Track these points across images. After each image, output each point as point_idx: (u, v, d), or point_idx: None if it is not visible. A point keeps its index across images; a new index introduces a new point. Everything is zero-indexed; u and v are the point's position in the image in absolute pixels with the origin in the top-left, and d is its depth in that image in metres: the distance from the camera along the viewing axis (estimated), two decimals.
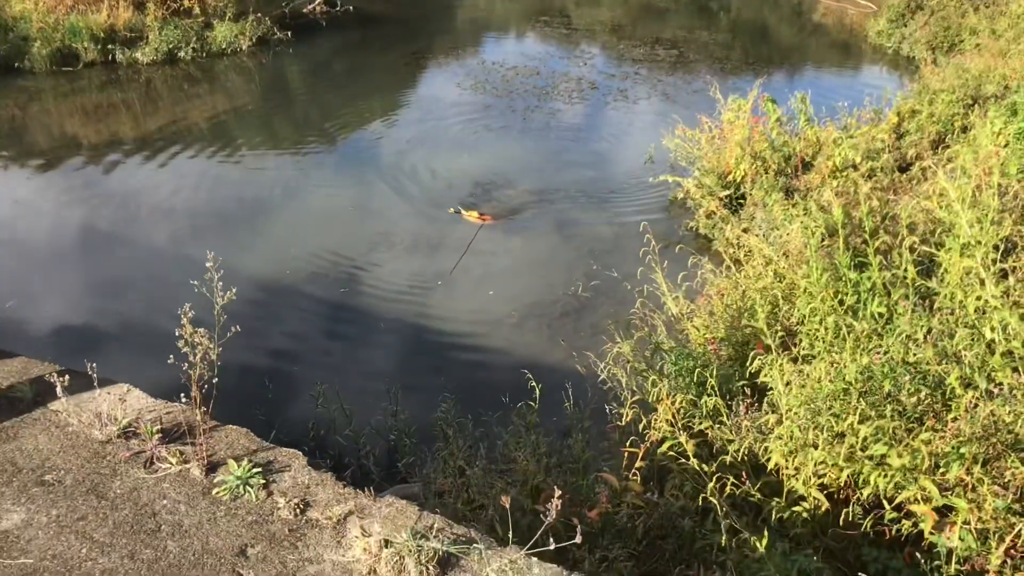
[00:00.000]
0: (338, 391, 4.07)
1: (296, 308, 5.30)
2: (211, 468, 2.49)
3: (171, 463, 2.49)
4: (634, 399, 3.09)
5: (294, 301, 5.35)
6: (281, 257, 5.83)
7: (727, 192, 6.30)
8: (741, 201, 6.22)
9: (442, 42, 11.96)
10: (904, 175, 5.91)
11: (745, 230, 5.37)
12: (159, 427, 2.60)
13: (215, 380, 2.37)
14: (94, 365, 2.58)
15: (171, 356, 2.34)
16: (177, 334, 2.30)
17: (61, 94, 9.17)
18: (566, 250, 6.13)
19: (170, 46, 10.03)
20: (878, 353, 2.75)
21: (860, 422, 2.44)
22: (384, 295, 5.45)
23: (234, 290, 2.36)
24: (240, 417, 2.84)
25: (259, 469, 2.47)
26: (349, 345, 5.01)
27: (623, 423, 3.06)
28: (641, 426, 2.99)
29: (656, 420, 2.95)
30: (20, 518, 2.32)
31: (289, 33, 11.04)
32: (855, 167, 5.99)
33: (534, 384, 3.22)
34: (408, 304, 5.37)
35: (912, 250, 2.95)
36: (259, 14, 10.87)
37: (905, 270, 2.95)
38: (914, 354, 2.64)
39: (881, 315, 3.02)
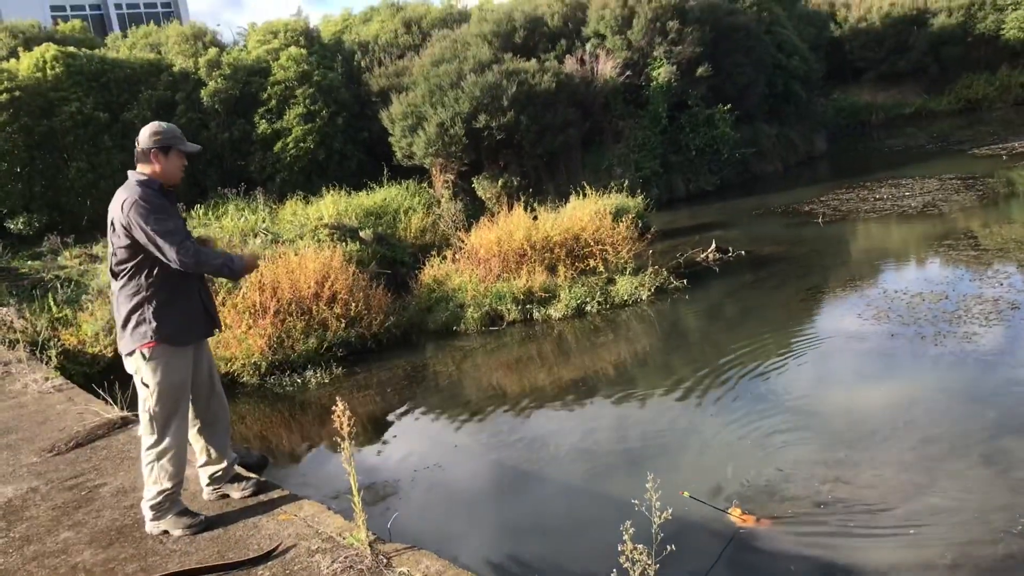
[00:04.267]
0: None
1: (705, 538, 5.31)
2: None
3: None
4: None
5: (701, 535, 5.37)
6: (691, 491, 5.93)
7: None
8: None
9: (837, 275, 11.88)
10: None
11: None
12: None
13: None
14: None
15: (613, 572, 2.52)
16: (619, 549, 2.49)
17: (488, 351, 10.41)
18: (1003, 485, 5.57)
19: (578, 302, 11.06)
20: None
21: None
22: (797, 529, 5.29)
23: (670, 510, 2.53)
24: None
25: None
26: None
27: None
28: None
29: None
30: None
31: (685, 281, 11.69)
32: None
33: None
34: (824, 541, 5.16)
35: None
36: (656, 266, 11.72)
37: None
38: None
39: None
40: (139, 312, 4.25)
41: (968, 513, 5.27)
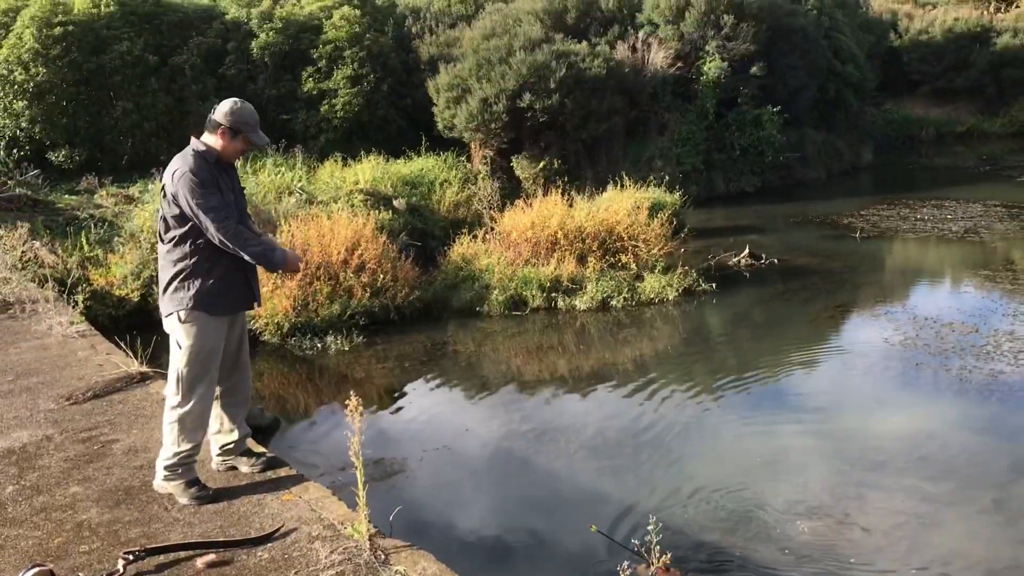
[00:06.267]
0: None
1: (705, 556, 5.29)
2: None
3: None
4: None
5: (704, 550, 5.34)
6: (694, 503, 5.91)
7: None
8: None
9: (869, 294, 11.75)
10: None
11: None
12: None
13: None
14: None
15: None
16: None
17: (509, 335, 10.41)
18: (1011, 533, 5.48)
19: (604, 295, 11.02)
20: None
21: None
22: (797, 555, 5.25)
23: (669, 555, 2.52)
24: None
25: None
26: None
27: None
28: None
29: None
30: None
31: (713, 284, 11.60)
32: None
33: None
34: (824, 568, 5.11)
35: None
36: (686, 267, 11.64)
37: None
38: None
39: None
40: (180, 278, 4.36)
41: (972, 559, 5.21)
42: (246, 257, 4.37)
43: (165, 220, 4.37)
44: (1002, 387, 7.89)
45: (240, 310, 4.65)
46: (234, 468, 4.78)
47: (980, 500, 5.89)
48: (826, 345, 9.70)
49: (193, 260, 4.34)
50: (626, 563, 2.53)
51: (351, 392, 3.81)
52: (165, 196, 4.35)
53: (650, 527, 2.60)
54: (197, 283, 4.34)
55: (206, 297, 4.35)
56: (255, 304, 4.73)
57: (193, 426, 4.39)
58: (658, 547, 2.54)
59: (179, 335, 4.39)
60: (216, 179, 4.36)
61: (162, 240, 4.42)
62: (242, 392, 4.75)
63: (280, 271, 4.64)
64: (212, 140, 4.40)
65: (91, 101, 16.46)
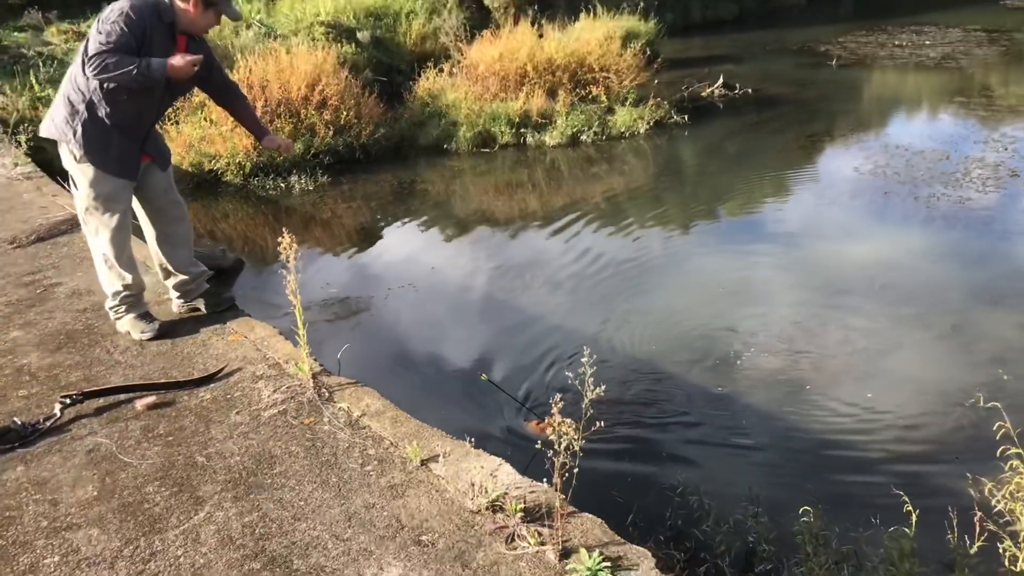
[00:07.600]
0: (698, 484, 4.06)
1: (662, 388, 5.33)
2: (565, 554, 2.59)
3: (529, 542, 2.63)
4: None
5: (660, 381, 5.38)
6: (653, 335, 5.92)
7: None
8: None
9: (842, 123, 11.54)
10: None
11: None
12: (522, 505, 2.77)
13: (575, 470, 2.48)
14: (472, 440, 2.83)
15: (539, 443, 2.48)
16: (546, 421, 2.44)
17: (478, 172, 10.20)
18: (964, 356, 5.55)
19: (574, 130, 10.76)
20: None
21: None
22: (753, 383, 5.30)
23: (603, 387, 2.46)
24: (596, 500, 2.93)
25: (608, 564, 2.52)
26: (713, 434, 4.92)
27: (1017, 569, 2.67)
28: None
29: None
30: (398, 573, 2.58)
31: (686, 116, 11.34)
32: None
33: (910, 508, 2.96)
34: (778, 396, 5.17)
35: None
36: (659, 99, 11.33)
37: None
38: None
39: None
40: (72, 108, 3.98)
41: (925, 383, 5.27)
42: (124, 81, 3.83)
43: (89, 42, 3.87)
44: (968, 214, 7.85)
45: (130, 178, 4.20)
46: (196, 310, 4.71)
47: (938, 326, 5.92)
48: (796, 175, 9.57)
49: (96, 99, 3.95)
50: (557, 395, 2.48)
51: (283, 230, 3.66)
52: (99, 19, 3.89)
53: (584, 359, 2.53)
54: (86, 128, 3.96)
55: (92, 144, 3.98)
56: (162, 162, 4.38)
57: (118, 267, 4.25)
58: (591, 379, 2.48)
59: (75, 173, 4.10)
60: (151, 35, 3.88)
61: (78, 62, 3.96)
62: (181, 234, 4.53)
63: (168, 77, 3.92)
64: (182, 6, 3.98)
65: None
